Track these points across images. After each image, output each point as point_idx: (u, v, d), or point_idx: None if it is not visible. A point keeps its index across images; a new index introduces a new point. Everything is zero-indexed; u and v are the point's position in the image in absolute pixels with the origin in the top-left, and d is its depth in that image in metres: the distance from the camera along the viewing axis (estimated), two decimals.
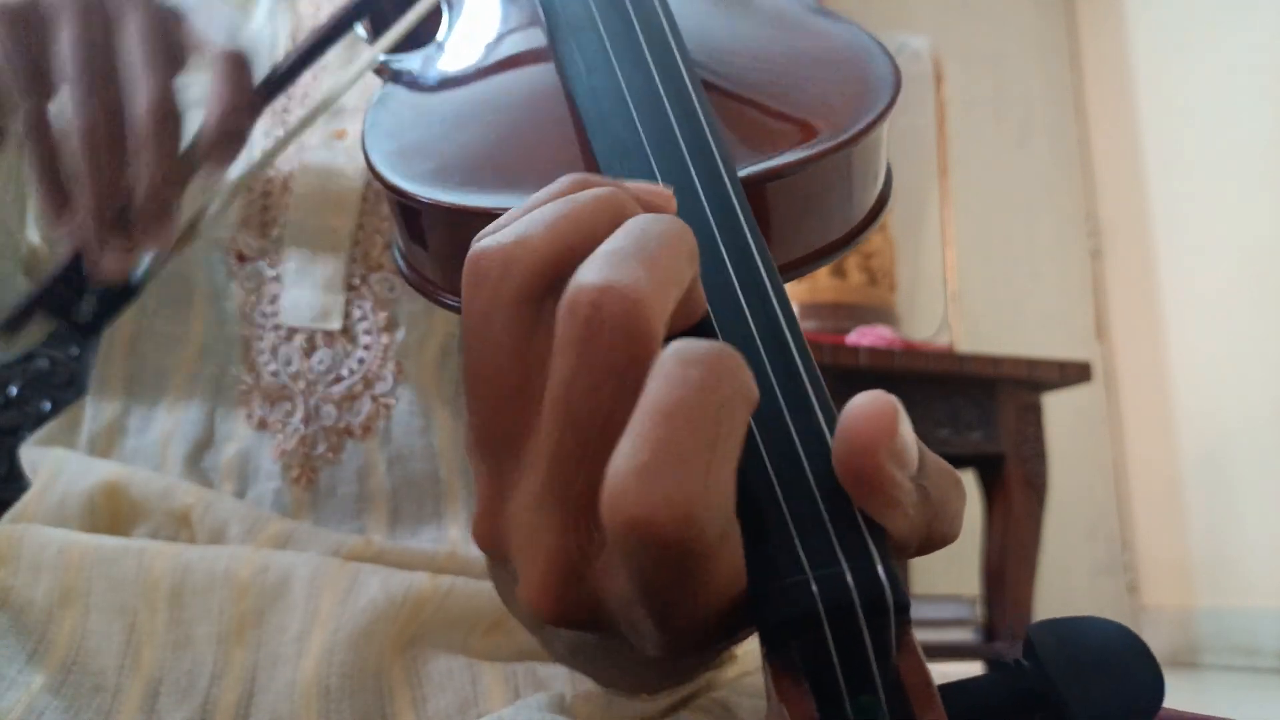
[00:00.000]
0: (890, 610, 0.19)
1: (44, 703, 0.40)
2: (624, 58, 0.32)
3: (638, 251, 0.21)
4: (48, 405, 1.40)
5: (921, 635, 1.89)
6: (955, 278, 2.44)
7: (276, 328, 0.52)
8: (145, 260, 0.44)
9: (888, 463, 0.20)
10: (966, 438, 1.92)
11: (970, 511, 1.98)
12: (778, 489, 0.21)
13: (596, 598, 0.21)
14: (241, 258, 0.53)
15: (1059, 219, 3.35)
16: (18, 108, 0.42)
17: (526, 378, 0.22)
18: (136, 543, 0.47)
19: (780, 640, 0.19)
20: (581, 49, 0.34)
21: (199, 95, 0.42)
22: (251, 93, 0.43)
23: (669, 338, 0.23)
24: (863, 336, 2.00)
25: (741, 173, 0.29)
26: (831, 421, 0.22)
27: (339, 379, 0.51)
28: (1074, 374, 2.00)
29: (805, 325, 2.15)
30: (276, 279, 0.52)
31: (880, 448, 0.20)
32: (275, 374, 0.52)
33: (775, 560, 0.20)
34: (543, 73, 0.36)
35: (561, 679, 0.45)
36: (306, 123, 0.46)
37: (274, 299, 0.52)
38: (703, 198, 0.27)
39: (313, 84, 0.55)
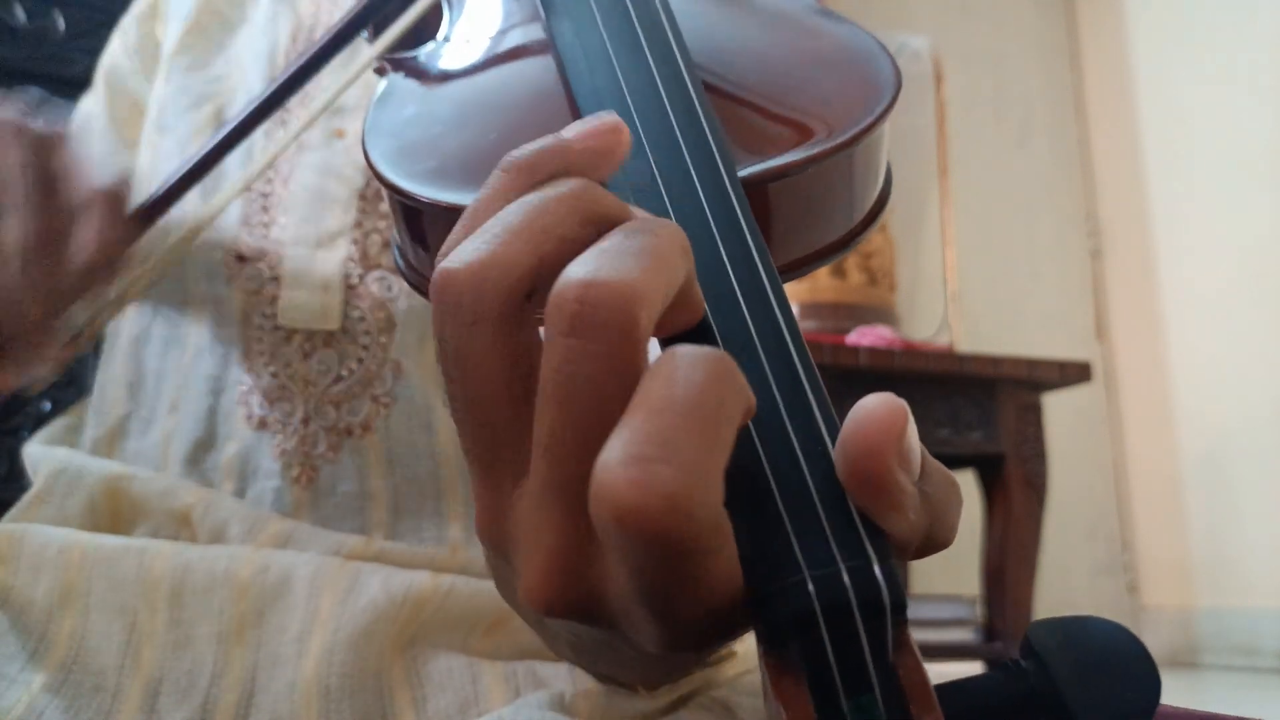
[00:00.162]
0: (887, 610, 0.19)
1: (44, 702, 0.40)
2: (625, 58, 0.33)
3: (626, 247, 0.21)
4: (48, 405, 1.40)
5: (921, 635, 1.89)
6: (955, 278, 2.44)
7: (275, 329, 0.52)
8: (41, 367, 0.44)
9: (894, 467, 0.20)
10: (966, 438, 1.92)
11: (970, 511, 1.98)
12: (775, 489, 0.21)
13: (595, 592, 0.21)
14: (241, 259, 0.53)
15: (1059, 219, 3.35)
16: None
17: (513, 390, 0.22)
18: (137, 542, 0.47)
19: (777, 640, 0.19)
20: (582, 49, 0.34)
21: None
22: (127, 223, 0.44)
23: (670, 340, 0.23)
24: (863, 336, 2.00)
25: (742, 173, 0.29)
26: (830, 422, 0.22)
27: (338, 379, 0.51)
28: (1074, 374, 2.00)
29: (805, 325, 2.15)
30: (275, 280, 0.52)
31: (888, 452, 0.20)
32: (275, 375, 0.52)
33: (773, 560, 0.20)
34: (544, 72, 0.36)
35: (562, 678, 0.45)
36: (307, 124, 0.46)
37: (273, 300, 0.52)
38: (703, 198, 0.27)
39: (313, 84, 0.55)
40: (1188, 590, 2.98)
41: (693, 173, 0.28)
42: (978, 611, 1.98)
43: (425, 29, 0.44)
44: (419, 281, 0.35)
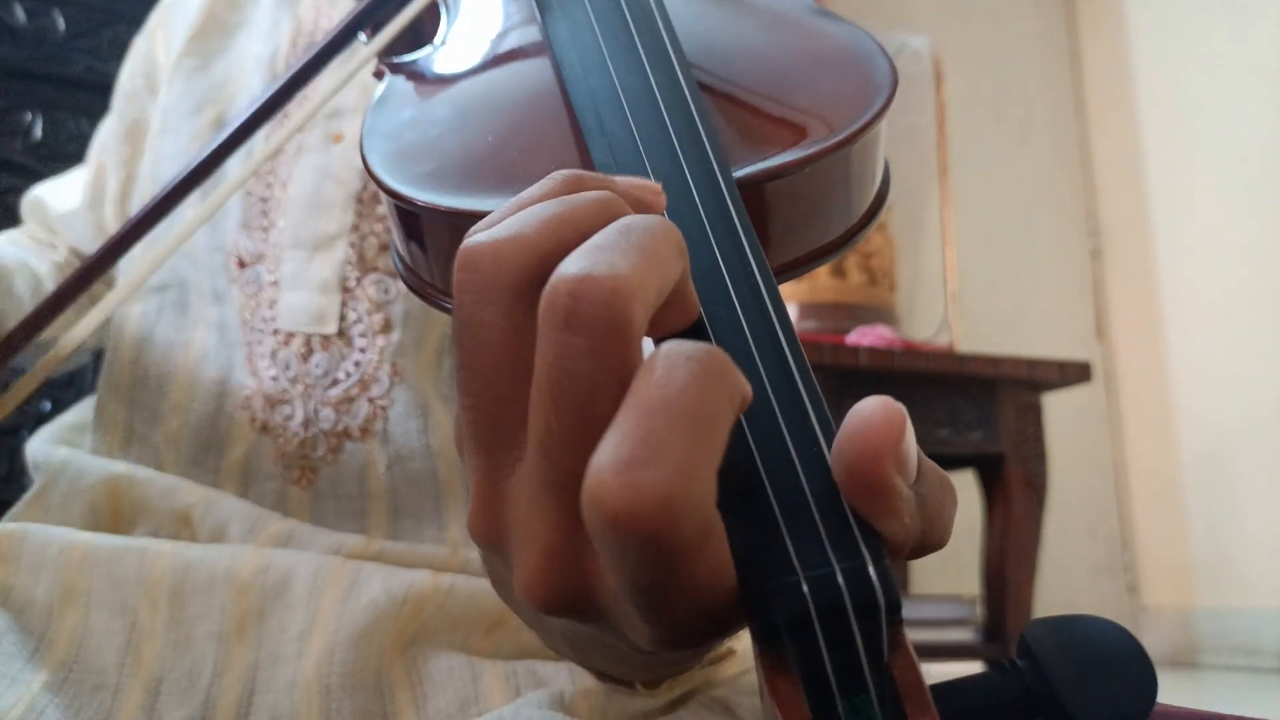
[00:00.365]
0: (882, 611, 0.19)
1: (45, 701, 0.40)
2: (620, 60, 0.33)
3: (618, 244, 0.21)
4: (48, 405, 1.40)
5: (921, 635, 1.89)
6: (955, 278, 2.44)
7: (275, 332, 0.52)
8: None
9: (892, 472, 0.20)
10: (966, 438, 1.92)
11: (970, 511, 1.98)
12: (769, 489, 0.21)
13: (590, 589, 0.21)
14: (241, 263, 0.53)
15: (1059, 219, 3.35)
16: None
17: (518, 368, 0.22)
18: (137, 542, 0.47)
19: (772, 640, 0.19)
20: (578, 51, 0.34)
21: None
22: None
23: (664, 339, 0.24)
24: (863, 336, 2.00)
25: (739, 173, 0.29)
26: (825, 422, 0.22)
27: (336, 382, 0.51)
28: (1074, 374, 2.00)
29: (805, 325, 2.15)
30: (275, 284, 0.53)
31: (887, 457, 0.20)
32: (275, 378, 0.52)
33: (767, 560, 0.20)
34: (540, 74, 0.36)
35: (562, 677, 0.45)
36: (302, 124, 0.46)
37: (272, 303, 0.52)
38: (697, 199, 0.27)
39: (313, 87, 0.56)
40: (1188, 590, 2.98)
41: (687, 174, 0.28)
42: (978, 611, 1.98)
43: (423, 33, 0.44)
44: (418, 284, 0.35)
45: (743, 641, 0.47)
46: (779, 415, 0.22)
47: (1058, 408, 2.20)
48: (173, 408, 0.54)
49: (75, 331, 0.42)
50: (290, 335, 0.52)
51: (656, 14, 0.35)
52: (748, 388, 0.20)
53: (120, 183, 0.63)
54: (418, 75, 0.40)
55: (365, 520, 0.51)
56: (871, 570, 0.19)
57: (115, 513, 0.51)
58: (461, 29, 0.43)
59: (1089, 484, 3.15)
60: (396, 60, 0.42)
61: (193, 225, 0.44)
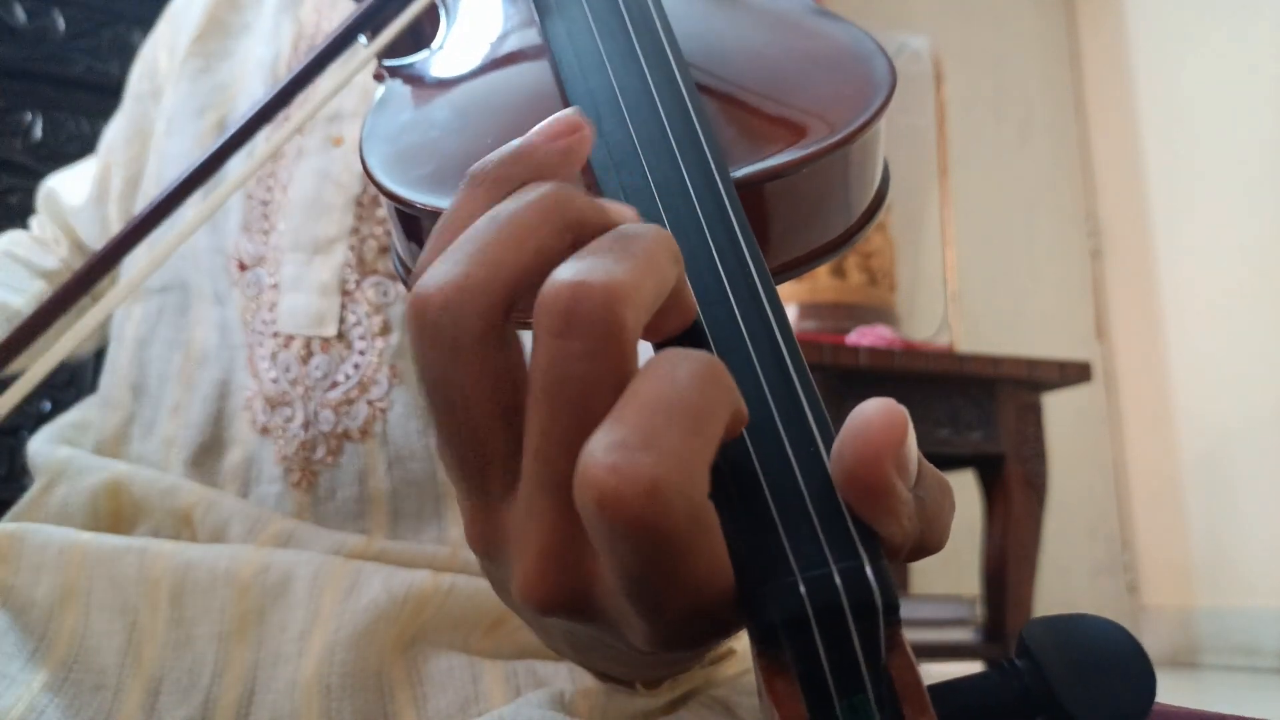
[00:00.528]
0: (879, 611, 0.19)
1: (45, 701, 0.40)
2: (618, 61, 0.33)
3: (614, 251, 0.21)
4: (48, 405, 1.40)
5: (921, 635, 1.89)
6: (955, 278, 2.44)
7: (275, 334, 0.52)
8: None
9: (893, 476, 0.20)
10: (966, 438, 1.92)
11: (970, 511, 1.98)
12: (767, 489, 0.21)
13: (587, 589, 0.21)
14: (242, 266, 0.53)
15: (1059, 219, 3.35)
16: None
17: (497, 402, 0.21)
18: (138, 541, 0.47)
19: (770, 640, 0.19)
20: (577, 52, 0.34)
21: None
22: None
23: (663, 345, 0.24)
24: (863, 336, 2.00)
25: (738, 173, 0.30)
26: (822, 423, 0.22)
27: (335, 384, 0.52)
28: (1074, 374, 2.00)
29: (805, 325, 2.15)
30: (275, 286, 0.53)
31: (887, 460, 0.20)
32: (275, 380, 0.52)
33: (764, 560, 0.20)
34: (539, 76, 0.36)
35: (562, 677, 0.45)
36: (301, 124, 0.46)
37: (273, 306, 0.53)
38: (695, 200, 0.27)
39: (313, 89, 0.56)
40: (1188, 590, 2.98)
41: (685, 175, 0.28)
42: (978, 611, 1.98)
43: (422, 35, 0.44)
44: None
45: (743, 641, 0.47)
46: (776, 416, 0.22)
47: (1058, 408, 2.20)
48: (173, 409, 0.54)
49: (75, 331, 0.42)
50: (290, 338, 0.52)
51: (655, 15, 0.35)
52: (744, 404, 0.20)
53: (123, 182, 0.64)
54: (417, 78, 0.40)
55: (365, 522, 0.51)
56: (869, 571, 0.19)
57: (115, 513, 0.51)
58: (460, 31, 0.43)
59: (1089, 484, 3.15)
60: (396, 63, 0.42)
61: (193, 225, 0.44)
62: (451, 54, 0.41)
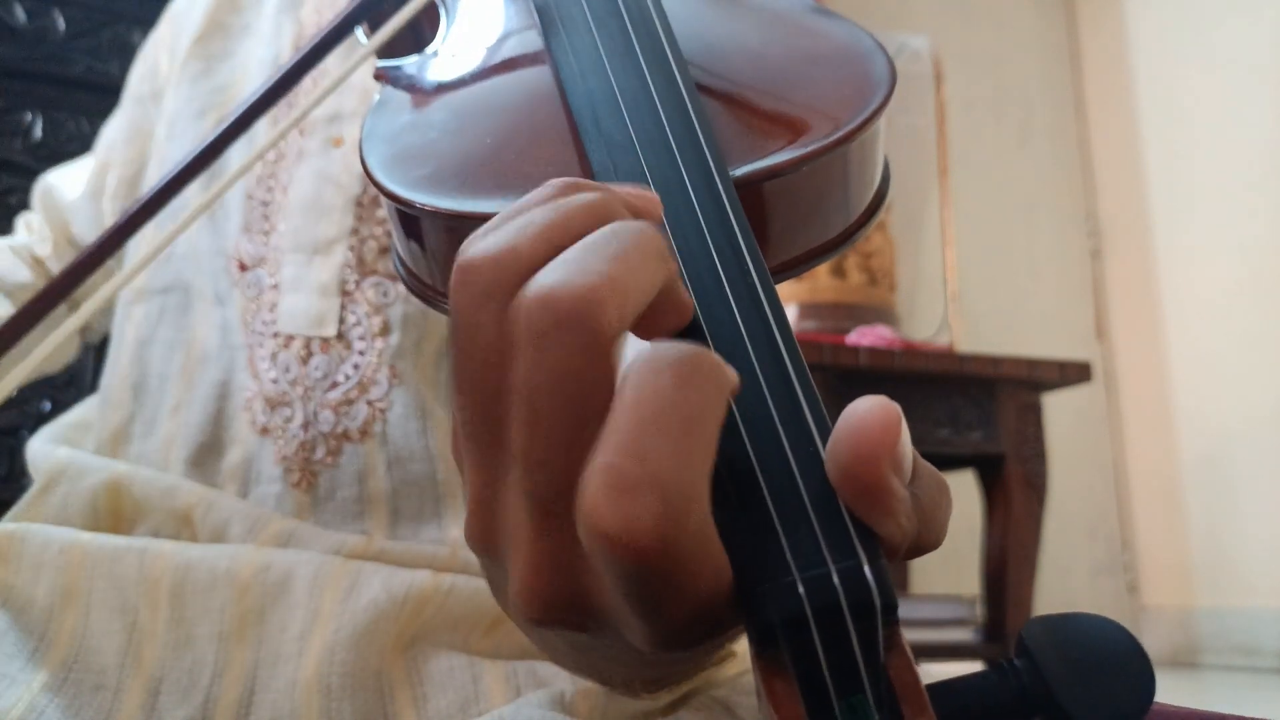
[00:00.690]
0: (878, 611, 0.19)
1: (45, 701, 0.40)
2: (618, 62, 0.33)
3: (592, 255, 0.21)
4: (48, 405, 1.40)
5: (921, 635, 1.89)
6: (955, 278, 2.44)
7: (275, 335, 0.52)
8: None
9: (888, 473, 0.20)
10: (966, 438, 1.92)
11: (970, 511, 1.98)
12: (765, 489, 0.21)
13: (584, 593, 0.21)
14: (243, 267, 0.54)
15: (1059, 219, 3.35)
16: None
17: (511, 369, 0.22)
18: (138, 541, 0.47)
19: (768, 640, 0.19)
20: (576, 52, 0.34)
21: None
22: None
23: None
24: (863, 336, 2.00)
25: (738, 172, 0.30)
26: (821, 422, 0.22)
27: (335, 384, 0.52)
28: (1074, 374, 2.00)
29: (805, 325, 2.15)
30: (275, 287, 0.53)
31: (882, 458, 0.20)
32: (275, 380, 0.52)
33: (763, 560, 0.20)
34: (539, 76, 0.36)
35: (563, 677, 0.45)
36: (298, 119, 0.46)
37: (273, 306, 0.53)
38: (694, 200, 0.27)
39: (313, 87, 0.56)
40: (1188, 590, 2.98)
41: (684, 175, 0.28)
42: (978, 611, 1.98)
43: (422, 36, 0.44)
44: (418, 286, 0.35)
45: (742, 642, 0.47)
46: (775, 415, 0.22)
47: (1058, 408, 2.20)
48: (173, 409, 0.54)
49: (73, 322, 0.42)
50: (290, 338, 0.52)
51: (654, 15, 0.35)
52: (734, 376, 0.20)
53: (120, 182, 0.64)
54: (416, 79, 0.40)
55: (365, 522, 0.51)
56: (867, 571, 0.19)
57: (116, 513, 0.51)
58: (460, 32, 0.43)
59: (1089, 484, 3.15)
60: (395, 64, 0.42)
61: (194, 214, 0.44)
62: (450, 55, 0.41)
